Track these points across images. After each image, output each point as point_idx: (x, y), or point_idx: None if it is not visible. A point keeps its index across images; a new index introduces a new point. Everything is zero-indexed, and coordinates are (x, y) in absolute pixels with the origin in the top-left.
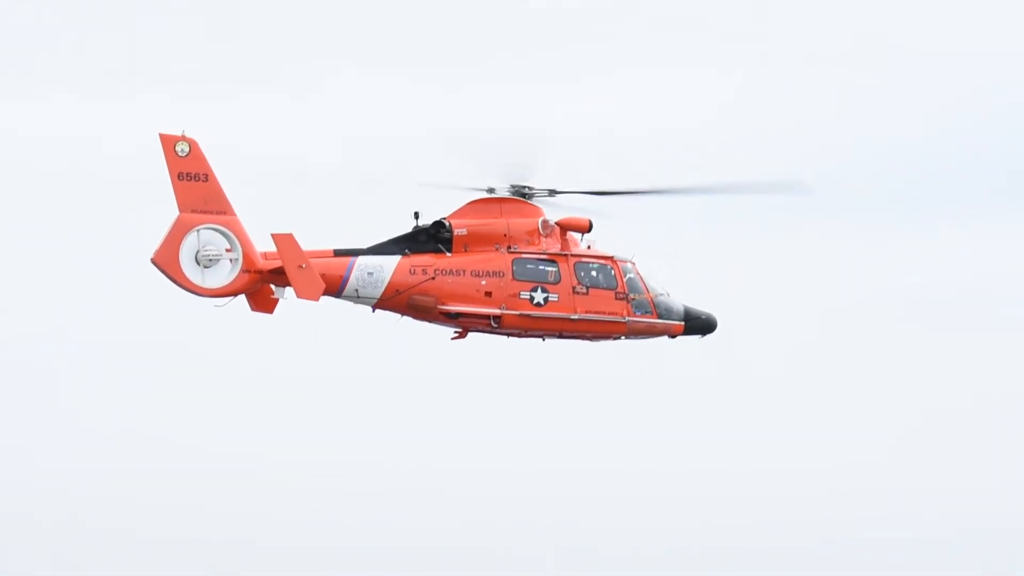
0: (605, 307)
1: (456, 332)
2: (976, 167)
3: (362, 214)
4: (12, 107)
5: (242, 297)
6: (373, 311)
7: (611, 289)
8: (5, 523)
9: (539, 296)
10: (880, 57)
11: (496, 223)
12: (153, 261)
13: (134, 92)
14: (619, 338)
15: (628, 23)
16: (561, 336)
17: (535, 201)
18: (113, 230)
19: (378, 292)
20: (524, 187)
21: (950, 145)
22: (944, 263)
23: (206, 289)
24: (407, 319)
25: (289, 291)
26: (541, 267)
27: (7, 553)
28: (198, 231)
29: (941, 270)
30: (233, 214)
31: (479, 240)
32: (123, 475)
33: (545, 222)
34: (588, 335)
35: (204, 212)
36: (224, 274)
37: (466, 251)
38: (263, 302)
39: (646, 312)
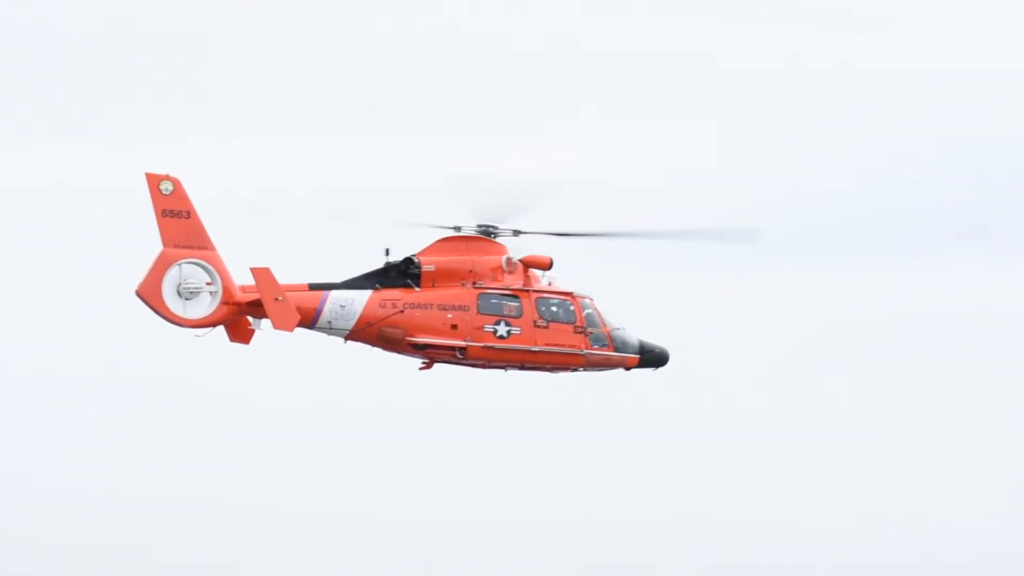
0: (564, 340)
1: (423, 363)
2: (931, 214)
3: (335, 250)
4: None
5: (221, 328)
6: (345, 342)
7: (570, 323)
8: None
9: (502, 329)
10: (844, 111)
11: (462, 260)
12: (137, 293)
13: (111, 138)
14: (577, 370)
15: (600, 74)
16: (523, 367)
17: (500, 238)
18: (100, 264)
19: (350, 324)
20: (489, 226)
21: (908, 193)
22: (901, 301)
23: (187, 320)
24: (377, 350)
25: (266, 322)
26: (504, 302)
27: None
28: (180, 265)
29: (900, 307)
30: (213, 249)
31: (446, 276)
32: (107, 492)
33: (509, 259)
34: (548, 367)
35: (186, 247)
36: (204, 306)
37: (434, 286)
38: (241, 333)
39: (603, 345)
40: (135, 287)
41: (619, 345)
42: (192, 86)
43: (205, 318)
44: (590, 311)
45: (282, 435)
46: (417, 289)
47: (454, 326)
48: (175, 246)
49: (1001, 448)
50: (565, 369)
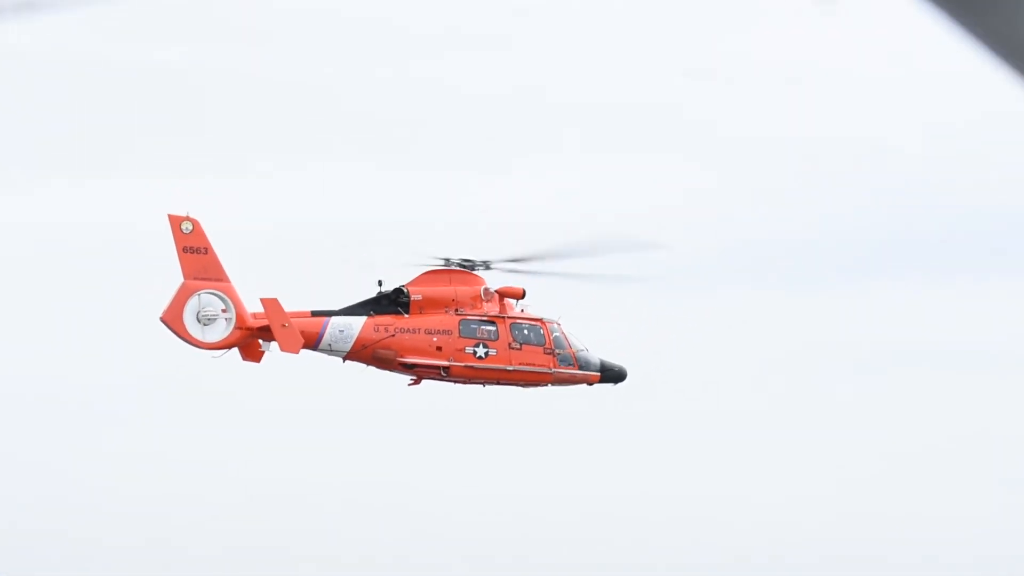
0: (535, 360)
1: (412, 380)
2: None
3: (335, 281)
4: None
5: (235, 350)
6: (343, 362)
7: (540, 345)
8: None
9: (481, 351)
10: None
11: (446, 290)
12: (162, 319)
13: (134, 179)
14: (546, 385)
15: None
16: (499, 383)
17: (478, 271)
18: (128, 294)
19: (347, 346)
20: (468, 260)
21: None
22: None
23: (205, 343)
24: (372, 368)
25: (274, 345)
26: (483, 327)
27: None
28: (199, 295)
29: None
30: (228, 281)
31: (431, 304)
32: (134, 489)
33: (486, 290)
34: (521, 383)
35: (204, 279)
36: (220, 330)
37: (421, 313)
38: (252, 353)
39: (569, 364)
40: (160, 314)
41: (583, 364)
42: (199, 128)
43: (221, 341)
44: (557, 334)
45: (288, 439)
46: (406, 315)
47: (439, 348)
48: (194, 278)
49: (945, 464)
50: (536, 385)
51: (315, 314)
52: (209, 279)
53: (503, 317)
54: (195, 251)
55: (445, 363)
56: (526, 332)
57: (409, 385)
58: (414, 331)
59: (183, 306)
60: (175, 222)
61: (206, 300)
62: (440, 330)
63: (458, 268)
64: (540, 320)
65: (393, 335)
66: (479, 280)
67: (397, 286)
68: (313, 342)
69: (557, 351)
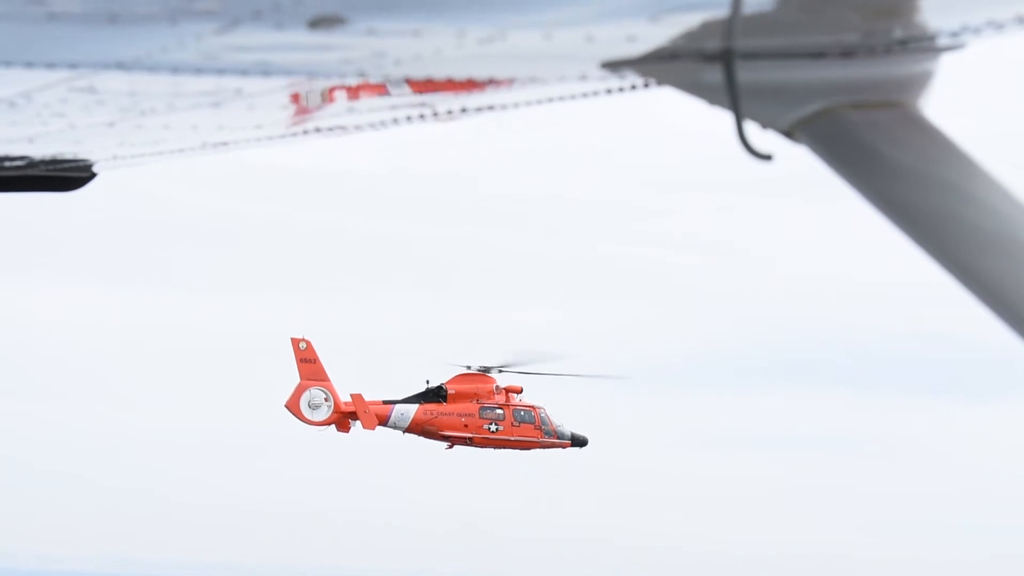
0: (528, 433)
1: (448, 445)
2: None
3: (398, 381)
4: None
5: (333, 426)
6: (403, 434)
7: (532, 423)
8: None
9: (493, 427)
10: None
11: (470, 387)
12: (286, 406)
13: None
14: (535, 449)
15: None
16: (504, 448)
17: (492, 374)
18: (263, 391)
19: (406, 424)
20: (485, 367)
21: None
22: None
23: (314, 422)
24: (421, 438)
25: (359, 423)
26: (495, 411)
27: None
28: (310, 390)
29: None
30: (329, 380)
31: (461, 396)
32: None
33: (497, 387)
34: (519, 448)
35: (313, 380)
36: (323, 413)
37: (454, 402)
38: (344, 428)
39: (550, 436)
40: (285, 402)
41: (559, 435)
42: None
43: (324, 420)
44: (543, 416)
45: (365, 484)
46: (445, 404)
47: (466, 425)
48: (307, 379)
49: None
50: (528, 449)
51: (385, 402)
52: (316, 380)
53: (508, 405)
54: (308, 361)
55: (470, 435)
56: (523, 415)
57: (446, 449)
58: (450, 414)
59: (300, 397)
60: (295, 342)
61: (315, 393)
62: (467, 414)
63: (479, 372)
64: (532, 407)
65: (436, 417)
66: (492, 380)
67: (439, 384)
68: (384, 421)
69: (542, 427)
